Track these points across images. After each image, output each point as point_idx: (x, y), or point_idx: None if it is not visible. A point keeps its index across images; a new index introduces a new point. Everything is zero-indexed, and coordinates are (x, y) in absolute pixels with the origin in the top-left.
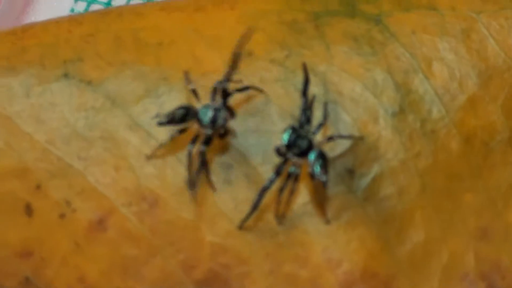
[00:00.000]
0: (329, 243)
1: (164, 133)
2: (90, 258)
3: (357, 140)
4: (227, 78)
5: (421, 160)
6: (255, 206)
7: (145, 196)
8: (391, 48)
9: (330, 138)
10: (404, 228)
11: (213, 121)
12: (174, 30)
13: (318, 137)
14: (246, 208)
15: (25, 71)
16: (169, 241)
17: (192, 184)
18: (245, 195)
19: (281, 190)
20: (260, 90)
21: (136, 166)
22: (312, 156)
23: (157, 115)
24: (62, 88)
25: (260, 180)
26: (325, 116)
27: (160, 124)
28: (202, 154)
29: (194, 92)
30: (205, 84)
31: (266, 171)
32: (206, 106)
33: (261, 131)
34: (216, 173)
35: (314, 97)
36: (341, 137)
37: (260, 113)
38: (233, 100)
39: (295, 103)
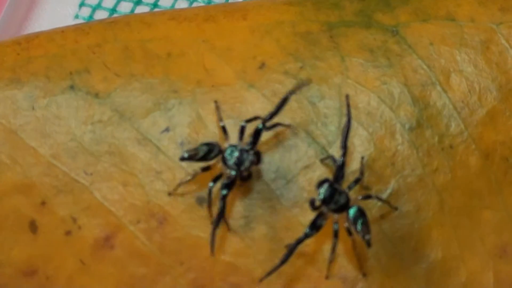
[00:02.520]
0: (343, 262)
1: (174, 148)
2: (97, 277)
3: (393, 209)
4: (265, 122)
5: (439, 177)
6: (285, 260)
7: (153, 213)
8: (408, 60)
9: (368, 197)
10: (421, 246)
11: (239, 163)
12: (183, 40)
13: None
14: (257, 226)
15: (30, 83)
16: (179, 260)
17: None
18: (257, 212)
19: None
20: (288, 126)
21: (144, 182)
22: (351, 212)
23: (166, 129)
24: (68, 100)
25: (273, 196)
26: (362, 171)
27: (182, 159)
28: (223, 199)
29: (224, 129)
30: (216, 97)
31: (279, 188)
32: (233, 146)
33: (274, 147)
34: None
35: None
36: (378, 198)
37: (273, 127)
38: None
39: (308, 117)
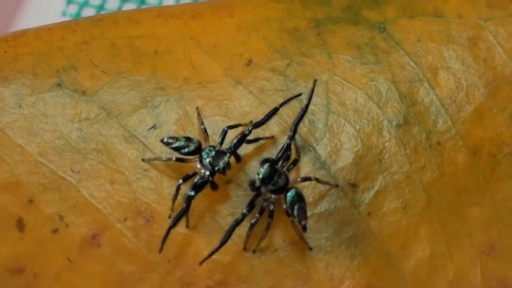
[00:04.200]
0: (331, 259)
1: (161, 145)
2: (84, 275)
3: (332, 188)
4: (252, 129)
5: (427, 173)
6: (224, 241)
7: (141, 210)
8: (396, 57)
9: (307, 179)
10: (409, 243)
11: (213, 163)
12: (170, 37)
13: (293, 175)
14: (244, 223)
15: (17, 81)
16: (166, 257)
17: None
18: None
19: (253, 225)
20: (271, 137)
21: (131, 180)
22: (289, 195)
23: (153, 126)
24: (55, 98)
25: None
26: (299, 152)
27: (162, 142)
28: (189, 199)
29: (205, 132)
30: (203, 94)
31: None
32: (212, 147)
33: (262, 144)
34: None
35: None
36: (318, 180)
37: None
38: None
39: (295, 114)
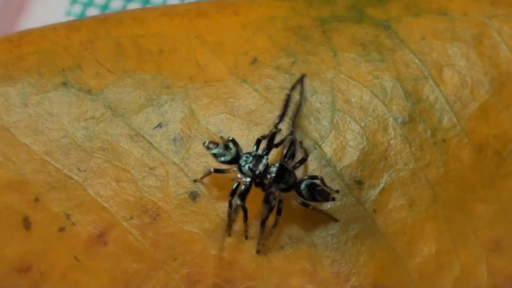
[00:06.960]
0: (337, 256)
1: (166, 144)
2: (90, 273)
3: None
4: (277, 125)
5: (432, 171)
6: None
7: (147, 208)
8: (400, 54)
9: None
10: (415, 240)
11: (253, 168)
12: (175, 36)
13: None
14: (252, 221)
15: (23, 80)
16: (172, 255)
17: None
18: (250, 207)
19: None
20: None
21: (137, 178)
22: (303, 187)
23: (159, 125)
24: (61, 97)
25: None
26: (307, 152)
27: (203, 145)
28: (242, 208)
29: (234, 142)
30: (209, 92)
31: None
32: (248, 154)
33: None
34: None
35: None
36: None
37: (265, 122)
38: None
39: (301, 112)
